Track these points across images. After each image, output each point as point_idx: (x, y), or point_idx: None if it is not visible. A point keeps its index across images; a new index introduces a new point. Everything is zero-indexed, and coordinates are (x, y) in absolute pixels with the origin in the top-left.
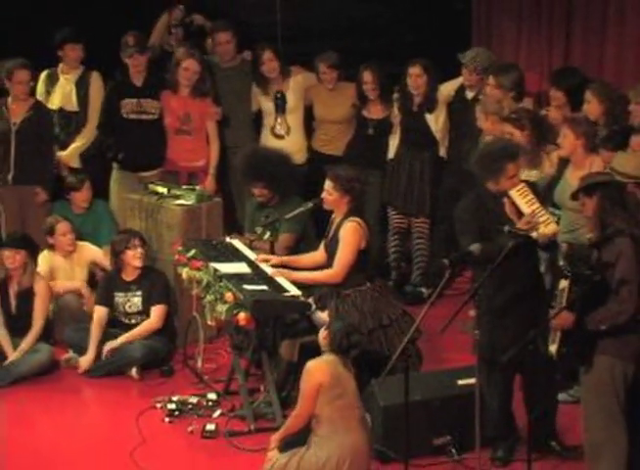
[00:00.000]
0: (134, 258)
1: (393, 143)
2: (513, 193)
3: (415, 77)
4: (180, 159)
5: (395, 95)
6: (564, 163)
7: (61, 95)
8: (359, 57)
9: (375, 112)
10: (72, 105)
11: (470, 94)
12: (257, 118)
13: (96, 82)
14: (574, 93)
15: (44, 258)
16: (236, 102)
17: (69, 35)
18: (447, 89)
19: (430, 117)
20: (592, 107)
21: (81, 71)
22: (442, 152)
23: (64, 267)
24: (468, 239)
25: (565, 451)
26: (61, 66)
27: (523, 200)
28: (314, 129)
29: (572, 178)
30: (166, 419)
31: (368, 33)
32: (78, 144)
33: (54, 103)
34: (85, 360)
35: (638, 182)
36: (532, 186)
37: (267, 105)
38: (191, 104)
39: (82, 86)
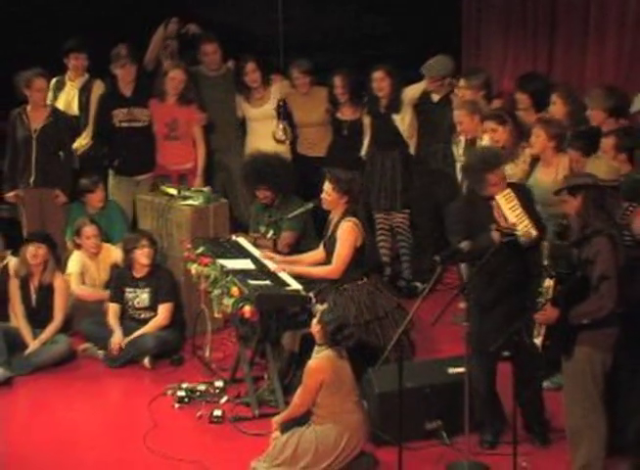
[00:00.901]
0: (142, 256)
1: (366, 143)
2: (499, 198)
3: (379, 81)
4: (170, 163)
5: (365, 99)
6: (534, 160)
7: (64, 100)
8: (358, 65)
9: (347, 113)
10: (73, 110)
11: (436, 97)
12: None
13: (98, 89)
14: (539, 96)
15: (76, 259)
16: (222, 108)
17: (74, 45)
18: (412, 92)
19: (396, 118)
20: (557, 108)
21: (86, 79)
22: (412, 150)
23: (91, 267)
24: (458, 239)
25: (540, 436)
26: (68, 73)
27: (507, 205)
28: (297, 135)
29: (542, 174)
30: (176, 405)
31: (367, 44)
32: (76, 146)
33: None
34: (115, 343)
35: (611, 185)
36: (521, 189)
37: (251, 112)
38: (178, 111)
39: (84, 92)
